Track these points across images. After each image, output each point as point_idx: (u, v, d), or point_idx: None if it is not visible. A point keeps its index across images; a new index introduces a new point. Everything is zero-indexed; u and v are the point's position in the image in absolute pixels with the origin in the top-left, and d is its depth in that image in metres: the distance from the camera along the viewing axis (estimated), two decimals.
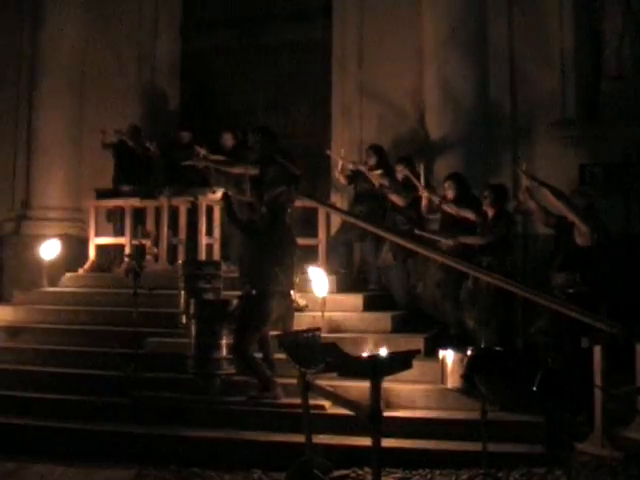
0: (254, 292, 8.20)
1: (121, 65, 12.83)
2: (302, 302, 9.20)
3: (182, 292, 9.09)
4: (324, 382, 7.02)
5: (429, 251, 9.31)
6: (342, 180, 10.90)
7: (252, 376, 8.19)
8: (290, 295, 8.47)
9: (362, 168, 10.55)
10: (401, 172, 10.29)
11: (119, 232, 11.50)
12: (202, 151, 10.90)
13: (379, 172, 10.32)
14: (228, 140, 11.40)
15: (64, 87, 12.60)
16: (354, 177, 10.84)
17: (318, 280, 9.19)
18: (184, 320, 8.92)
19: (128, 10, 12.92)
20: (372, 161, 10.63)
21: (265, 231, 8.34)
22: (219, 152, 11.27)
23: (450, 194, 9.62)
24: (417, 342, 8.51)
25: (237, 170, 10.59)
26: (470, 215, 9.32)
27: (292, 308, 8.57)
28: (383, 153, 10.70)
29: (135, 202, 11.16)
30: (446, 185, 9.72)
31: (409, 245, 9.51)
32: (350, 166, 10.74)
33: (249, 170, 10.34)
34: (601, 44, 11.17)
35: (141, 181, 11.45)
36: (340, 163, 10.79)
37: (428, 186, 9.91)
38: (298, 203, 9.70)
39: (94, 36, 12.83)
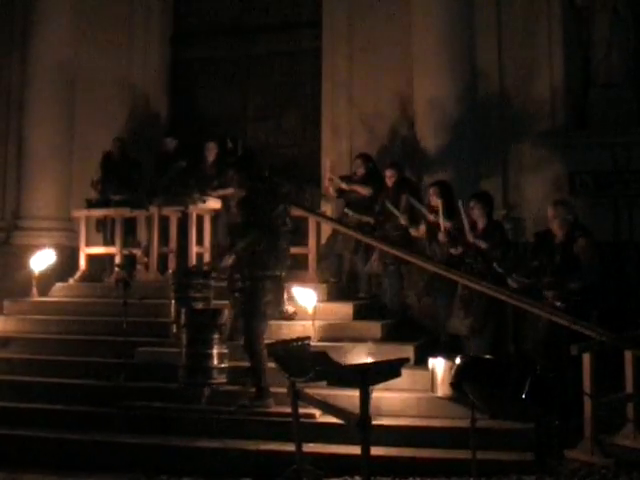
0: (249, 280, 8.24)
1: (111, 75, 12.84)
2: (291, 309, 9.20)
3: (173, 301, 9.10)
4: (314, 391, 7.01)
5: (418, 259, 9.33)
6: (331, 192, 10.95)
7: (252, 374, 8.17)
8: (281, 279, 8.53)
9: (344, 186, 10.63)
10: (391, 178, 10.32)
11: (109, 242, 11.50)
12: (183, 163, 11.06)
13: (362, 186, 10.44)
14: (211, 150, 11.44)
15: (54, 97, 12.60)
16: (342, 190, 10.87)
17: (303, 295, 9.20)
18: (175, 329, 8.92)
19: (118, 20, 12.96)
20: (361, 170, 10.66)
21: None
22: (203, 162, 11.40)
23: (434, 200, 9.62)
24: (407, 350, 8.50)
25: (228, 193, 10.57)
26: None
27: (282, 291, 8.60)
28: (372, 161, 10.73)
29: (125, 212, 11.16)
30: (431, 191, 9.72)
31: (398, 253, 9.54)
32: (342, 185, 10.74)
33: (238, 193, 10.33)
34: (589, 52, 11.22)
35: (130, 191, 11.47)
36: (327, 177, 10.87)
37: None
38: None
39: (84, 47, 12.85)
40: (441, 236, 9.29)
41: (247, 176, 8.97)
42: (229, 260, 8.56)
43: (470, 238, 8.92)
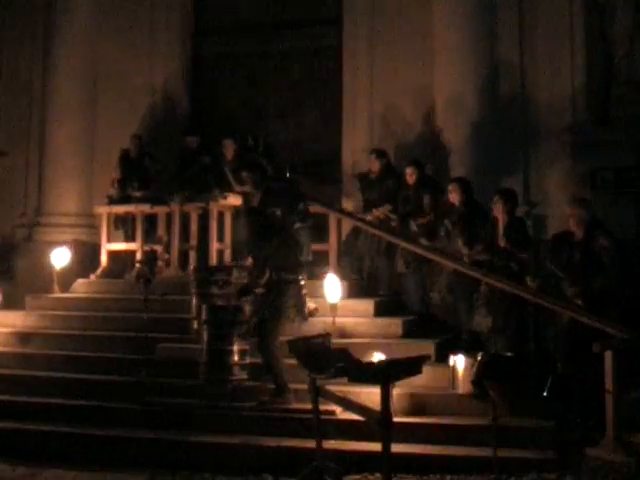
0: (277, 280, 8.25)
1: (132, 73, 12.89)
2: (312, 306, 9.19)
3: (194, 298, 9.11)
4: (335, 387, 7.00)
5: (440, 257, 9.32)
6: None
7: (269, 372, 8.17)
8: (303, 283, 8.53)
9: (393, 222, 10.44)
10: (411, 176, 10.30)
11: (130, 238, 11.53)
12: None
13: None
14: (229, 147, 11.45)
15: (75, 95, 12.68)
16: (365, 185, 10.86)
17: (331, 287, 9.18)
18: (195, 326, 8.93)
19: (140, 18, 13.02)
20: (376, 166, 10.65)
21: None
22: (223, 159, 11.46)
23: (454, 197, 9.62)
24: (428, 348, 8.48)
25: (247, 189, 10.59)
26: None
27: (304, 295, 8.56)
28: (387, 157, 10.72)
29: (146, 208, 11.19)
30: (450, 188, 9.70)
31: (420, 251, 9.52)
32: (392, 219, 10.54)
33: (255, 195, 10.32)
34: (612, 49, 11.16)
35: (150, 187, 11.50)
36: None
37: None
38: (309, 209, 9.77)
39: (106, 45, 12.90)
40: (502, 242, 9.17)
41: (261, 177, 8.98)
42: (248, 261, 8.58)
43: (502, 243, 8.91)
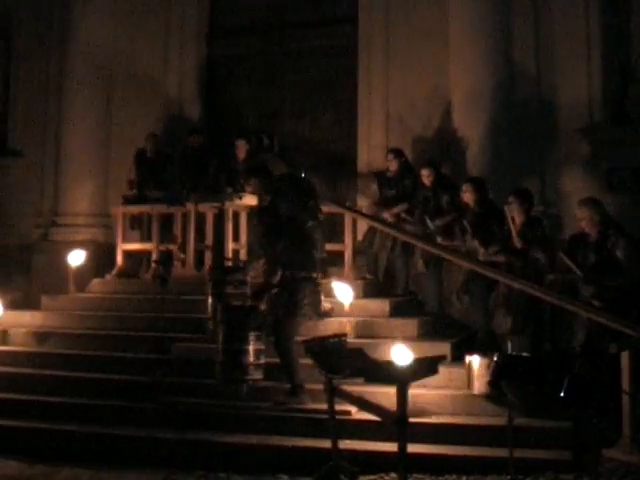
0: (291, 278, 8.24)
1: (147, 72, 12.93)
2: (327, 306, 9.18)
3: (209, 298, 9.11)
4: (350, 387, 7.01)
5: (457, 257, 9.30)
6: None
7: (285, 372, 8.17)
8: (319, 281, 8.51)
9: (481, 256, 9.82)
10: (428, 177, 10.29)
11: (146, 238, 11.56)
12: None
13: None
14: (241, 148, 11.46)
15: (91, 93, 12.72)
16: (381, 184, 10.85)
17: (341, 291, 9.20)
18: (211, 325, 8.94)
19: (155, 19, 13.04)
20: (393, 165, 10.64)
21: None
22: (234, 160, 11.49)
23: (468, 197, 9.61)
24: (443, 348, 8.49)
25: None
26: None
27: (319, 294, 8.55)
28: (404, 156, 10.71)
29: (162, 208, 11.20)
30: (464, 188, 9.70)
31: (436, 251, 9.51)
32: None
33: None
34: (628, 48, 11.12)
35: (166, 187, 11.53)
36: None
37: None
38: (324, 209, 9.74)
39: (121, 45, 12.95)
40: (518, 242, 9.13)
41: (268, 180, 8.96)
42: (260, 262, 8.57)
43: (517, 244, 8.89)
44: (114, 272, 11.36)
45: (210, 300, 9.05)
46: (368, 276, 10.50)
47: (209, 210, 10.89)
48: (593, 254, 8.35)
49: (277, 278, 8.36)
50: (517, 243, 8.91)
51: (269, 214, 8.73)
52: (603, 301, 8.10)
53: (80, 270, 11.30)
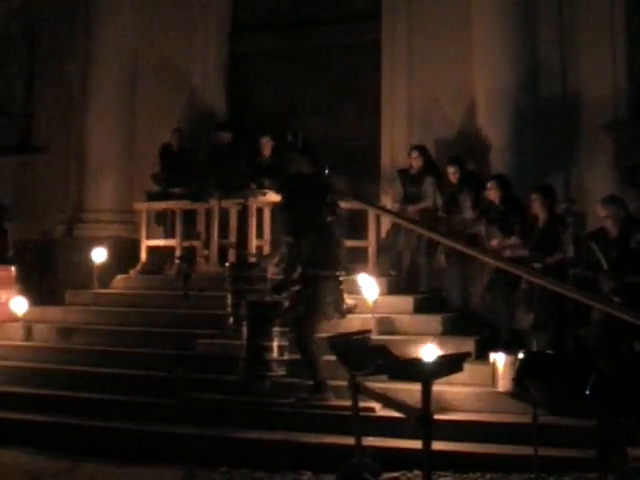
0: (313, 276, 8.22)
1: (170, 69, 12.95)
2: (351, 302, 9.17)
3: (229, 294, 9.12)
4: (374, 384, 7.00)
5: (481, 254, 9.26)
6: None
7: (307, 369, 8.15)
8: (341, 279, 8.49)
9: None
10: (454, 175, 10.25)
11: (169, 234, 11.58)
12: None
13: None
14: (266, 145, 11.45)
15: (115, 90, 12.80)
16: (405, 181, 10.82)
17: (367, 285, 9.18)
18: (231, 321, 8.95)
19: (178, 16, 13.04)
20: (418, 163, 10.59)
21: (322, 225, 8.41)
22: (259, 156, 11.47)
23: (492, 195, 9.60)
24: (468, 345, 8.45)
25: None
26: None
27: (342, 292, 8.55)
28: (427, 153, 10.68)
29: (186, 204, 11.22)
30: (488, 185, 9.68)
31: (459, 247, 9.47)
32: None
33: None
34: None
35: (190, 183, 11.54)
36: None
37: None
38: (346, 205, 9.73)
39: (145, 42, 13.00)
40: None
41: (283, 180, 8.96)
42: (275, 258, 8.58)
43: (541, 239, 8.88)
44: (138, 268, 11.40)
45: (230, 296, 9.07)
46: (392, 273, 10.47)
47: (233, 206, 10.90)
48: (615, 251, 8.29)
49: (296, 275, 8.36)
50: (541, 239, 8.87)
51: (289, 211, 8.73)
52: (623, 297, 8.04)
53: (104, 266, 11.35)
